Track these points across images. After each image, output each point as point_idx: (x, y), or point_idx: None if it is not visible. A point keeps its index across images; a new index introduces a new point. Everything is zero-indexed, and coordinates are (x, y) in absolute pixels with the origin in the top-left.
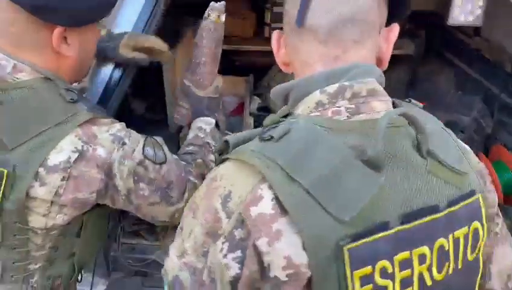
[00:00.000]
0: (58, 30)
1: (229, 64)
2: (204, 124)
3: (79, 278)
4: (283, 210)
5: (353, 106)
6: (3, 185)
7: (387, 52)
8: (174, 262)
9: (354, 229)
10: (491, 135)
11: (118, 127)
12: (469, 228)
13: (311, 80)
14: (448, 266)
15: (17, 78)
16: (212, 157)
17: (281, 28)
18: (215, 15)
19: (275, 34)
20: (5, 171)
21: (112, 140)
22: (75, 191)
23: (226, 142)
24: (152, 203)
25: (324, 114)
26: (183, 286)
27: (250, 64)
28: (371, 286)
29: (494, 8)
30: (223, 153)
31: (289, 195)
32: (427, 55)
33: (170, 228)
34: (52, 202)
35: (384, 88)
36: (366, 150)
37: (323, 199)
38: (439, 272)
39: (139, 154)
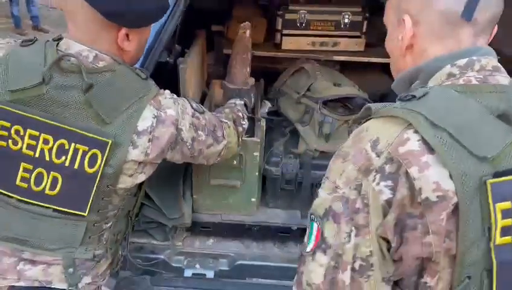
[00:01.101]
0: (123, 30)
1: None
2: (235, 101)
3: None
4: (430, 149)
5: (481, 76)
6: (106, 153)
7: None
8: (325, 198)
9: (494, 168)
10: None
11: (168, 92)
12: None
13: (443, 58)
14: None
15: (97, 65)
16: (239, 113)
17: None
18: (242, 31)
19: (408, 19)
20: (110, 142)
21: (172, 102)
22: (158, 149)
23: (369, 108)
24: (209, 145)
25: (456, 82)
26: (337, 213)
27: (260, 69)
28: (510, 220)
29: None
30: (365, 118)
31: (434, 137)
32: None
33: (179, 228)
34: (140, 163)
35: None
36: (499, 107)
37: (466, 141)
38: None
39: (190, 108)
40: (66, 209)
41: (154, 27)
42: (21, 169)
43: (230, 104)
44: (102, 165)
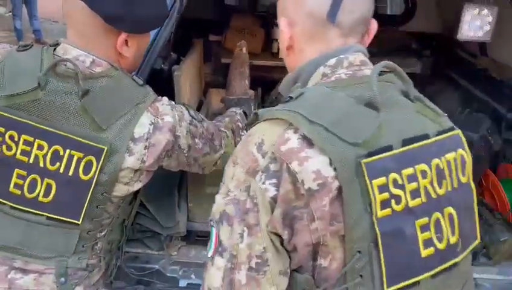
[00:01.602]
0: (122, 35)
1: None
2: (235, 110)
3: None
4: (309, 144)
5: (351, 72)
6: (102, 160)
7: (368, 40)
8: (220, 202)
9: (366, 149)
10: (499, 153)
11: (166, 99)
12: (456, 153)
13: (316, 61)
14: (447, 184)
15: (94, 71)
16: (238, 123)
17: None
18: (239, 48)
19: (283, 21)
20: (105, 148)
21: (170, 108)
22: (154, 156)
23: (256, 114)
24: (205, 154)
25: (328, 81)
26: (230, 216)
27: (258, 78)
28: (387, 194)
29: (502, 27)
30: (254, 123)
31: (313, 131)
32: (434, 76)
33: (174, 237)
34: (136, 170)
35: None
36: (365, 96)
37: (340, 132)
38: (439, 187)
39: (188, 115)
40: (59, 217)
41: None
42: (15, 175)
43: (230, 112)
44: (97, 173)
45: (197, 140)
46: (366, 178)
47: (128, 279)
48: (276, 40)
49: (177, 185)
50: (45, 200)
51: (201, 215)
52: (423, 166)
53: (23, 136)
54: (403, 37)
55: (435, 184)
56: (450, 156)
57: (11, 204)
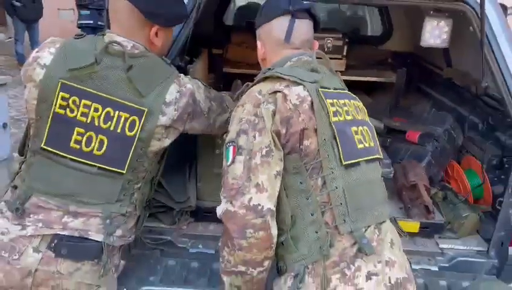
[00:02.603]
0: (155, 27)
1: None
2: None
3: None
4: (290, 83)
5: (302, 61)
6: (143, 120)
7: (313, 51)
8: (235, 127)
9: (319, 85)
10: (463, 149)
11: (184, 75)
12: (356, 102)
13: (284, 60)
14: (359, 114)
15: (135, 52)
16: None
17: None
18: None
19: (259, 43)
20: (146, 110)
21: (188, 79)
22: (181, 116)
23: (247, 84)
24: (219, 113)
25: (293, 65)
26: (245, 129)
27: None
28: (334, 108)
29: (461, 40)
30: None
31: (290, 76)
32: (408, 90)
33: (184, 213)
34: (166, 127)
35: (371, 107)
36: (311, 67)
37: (304, 78)
38: (358, 114)
39: (202, 85)
40: (108, 167)
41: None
42: (75, 133)
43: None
44: (139, 130)
45: (212, 102)
46: (323, 98)
47: (144, 248)
48: None
49: (188, 166)
50: (98, 153)
51: (209, 194)
52: (346, 101)
53: (83, 101)
54: (381, 53)
55: (356, 113)
56: (356, 102)
57: (71, 157)
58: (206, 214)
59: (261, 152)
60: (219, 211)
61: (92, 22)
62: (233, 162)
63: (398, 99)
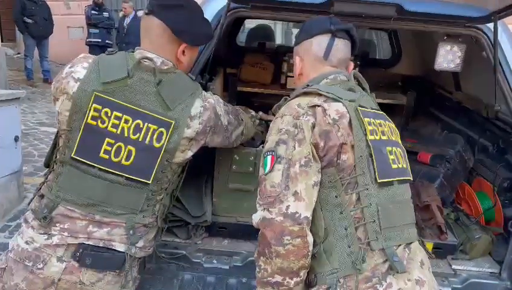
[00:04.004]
0: (183, 46)
1: (249, 104)
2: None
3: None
4: (329, 99)
5: (340, 80)
6: (170, 132)
7: (349, 71)
8: (273, 138)
9: (357, 104)
10: (473, 171)
11: (206, 92)
12: (391, 123)
13: (321, 77)
14: (395, 136)
15: (164, 68)
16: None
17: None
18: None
19: (297, 59)
20: (173, 122)
21: (210, 94)
22: (204, 129)
23: (285, 98)
24: (236, 126)
25: (329, 82)
26: (284, 140)
27: (267, 105)
28: (372, 127)
29: (471, 64)
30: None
31: (329, 93)
32: (417, 112)
33: (199, 228)
34: (191, 139)
35: None
36: (349, 86)
37: (342, 96)
38: (392, 136)
39: (221, 100)
40: (135, 178)
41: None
42: (105, 143)
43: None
44: (166, 141)
45: (230, 116)
46: (361, 117)
47: (160, 262)
48: (284, 73)
49: (204, 181)
50: (126, 163)
51: (224, 209)
52: (382, 121)
53: (115, 113)
54: (391, 77)
55: (390, 134)
56: (390, 124)
57: (100, 166)
58: (221, 229)
59: (300, 162)
60: (256, 219)
61: (100, 40)
62: (271, 170)
63: (408, 121)
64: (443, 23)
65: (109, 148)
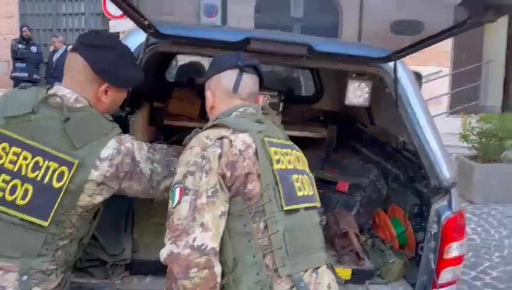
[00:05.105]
0: (105, 85)
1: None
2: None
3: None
4: (237, 130)
5: (249, 113)
6: (72, 172)
7: (258, 105)
8: (182, 169)
9: (265, 135)
10: (388, 198)
11: (128, 135)
12: (297, 152)
13: (231, 110)
14: (301, 164)
15: (76, 106)
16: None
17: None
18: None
19: (209, 93)
20: (76, 162)
21: (131, 138)
22: (115, 173)
23: (196, 131)
24: (166, 176)
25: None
26: (192, 171)
27: None
28: (277, 156)
29: (381, 100)
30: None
31: (237, 126)
32: (339, 144)
33: (118, 267)
34: (99, 184)
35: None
36: (256, 118)
37: (250, 128)
38: (298, 164)
39: (146, 146)
40: (31, 219)
41: None
42: (0, 180)
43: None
44: (67, 182)
45: (155, 164)
46: (268, 147)
47: None
48: None
49: (125, 216)
50: (22, 202)
51: (145, 245)
52: (289, 151)
53: (13, 148)
54: (314, 111)
55: (296, 162)
56: (298, 153)
57: None
58: (142, 267)
59: (207, 192)
60: (163, 254)
61: (26, 74)
62: (179, 203)
63: (330, 153)
64: (350, 62)
65: (4, 185)
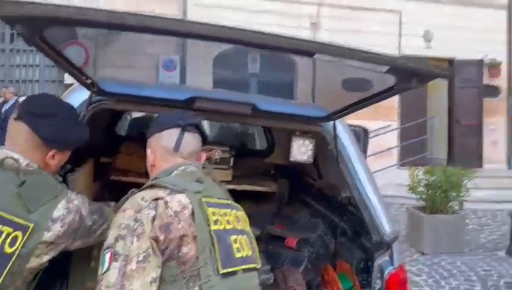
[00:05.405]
0: (52, 151)
1: (124, 193)
2: None
3: None
4: (174, 191)
5: (189, 171)
6: (26, 236)
7: (200, 162)
8: (114, 232)
9: (202, 196)
10: (336, 253)
11: (72, 192)
12: (238, 212)
13: (172, 168)
14: (241, 224)
15: (29, 169)
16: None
17: None
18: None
19: (149, 151)
20: (31, 226)
21: (75, 195)
22: (66, 232)
23: (132, 191)
24: (101, 224)
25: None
26: (123, 235)
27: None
28: (215, 217)
29: (325, 156)
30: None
31: (174, 186)
32: (291, 199)
33: None
34: (49, 243)
35: (256, 215)
36: (196, 177)
37: (188, 188)
38: (237, 224)
39: (87, 200)
40: None
41: None
42: None
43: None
44: (20, 247)
45: (95, 215)
46: (205, 207)
47: None
48: None
49: (59, 282)
50: None
51: None
52: (228, 211)
53: None
54: (265, 165)
55: (236, 222)
56: (237, 212)
57: None
58: None
59: (138, 258)
60: None
61: None
62: (108, 269)
63: (281, 207)
64: (293, 121)
65: None
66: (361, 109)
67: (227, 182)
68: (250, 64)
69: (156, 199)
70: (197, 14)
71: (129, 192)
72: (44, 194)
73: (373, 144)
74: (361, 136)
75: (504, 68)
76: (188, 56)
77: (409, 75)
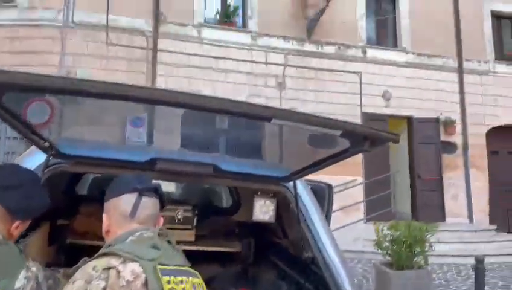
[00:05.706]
0: (18, 222)
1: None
2: None
3: None
4: (126, 260)
5: (146, 237)
6: None
7: (158, 226)
8: None
9: (157, 262)
10: None
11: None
12: (195, 279)
13: (127, 234)
14: None
15: None
16: None
17: None
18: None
19: (105, 217)
20: None
21: (33, 263)
22: None
23: (84, 260)
24: (55, 288)
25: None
26: None
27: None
28: (170, 285)
29: (289, 216)
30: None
31: (127, 254)
32: (257, 258)
33: None
34: None
35: (221, 276)
36: (152, 243)
37: (142, 255)
38: None
39: (42, 267)
40: None
41: None
42: None
43: None
44: None
45: (50, 281)
46: (159, 275)
47: None
48: None
49: None
50: None
51: None
52: (184, 278)
53: None
54: (230, 224)
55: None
56: (194, 279)
57: None
58: None
59: None
60: None
61: None
62: None
63: (247, 268)
64: (254, 181)
65: None
66: (319, 170)
67: (191, 243)
68: (219, 123)
69: (108, 269)
70: (165, 71)
71: (81, 260)
72: (8, 266)
73: (341, 198)
74: (326, 191)
75: (459, 126)
76: (155, 114)
77: (361, 139)
